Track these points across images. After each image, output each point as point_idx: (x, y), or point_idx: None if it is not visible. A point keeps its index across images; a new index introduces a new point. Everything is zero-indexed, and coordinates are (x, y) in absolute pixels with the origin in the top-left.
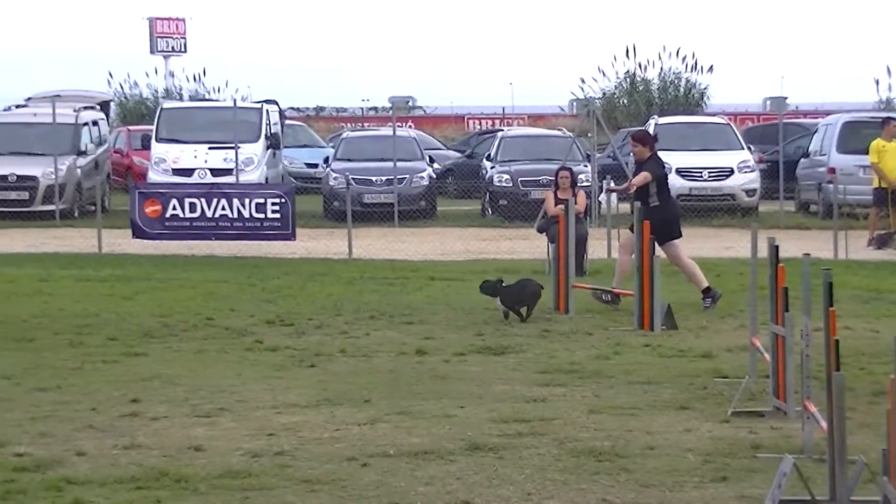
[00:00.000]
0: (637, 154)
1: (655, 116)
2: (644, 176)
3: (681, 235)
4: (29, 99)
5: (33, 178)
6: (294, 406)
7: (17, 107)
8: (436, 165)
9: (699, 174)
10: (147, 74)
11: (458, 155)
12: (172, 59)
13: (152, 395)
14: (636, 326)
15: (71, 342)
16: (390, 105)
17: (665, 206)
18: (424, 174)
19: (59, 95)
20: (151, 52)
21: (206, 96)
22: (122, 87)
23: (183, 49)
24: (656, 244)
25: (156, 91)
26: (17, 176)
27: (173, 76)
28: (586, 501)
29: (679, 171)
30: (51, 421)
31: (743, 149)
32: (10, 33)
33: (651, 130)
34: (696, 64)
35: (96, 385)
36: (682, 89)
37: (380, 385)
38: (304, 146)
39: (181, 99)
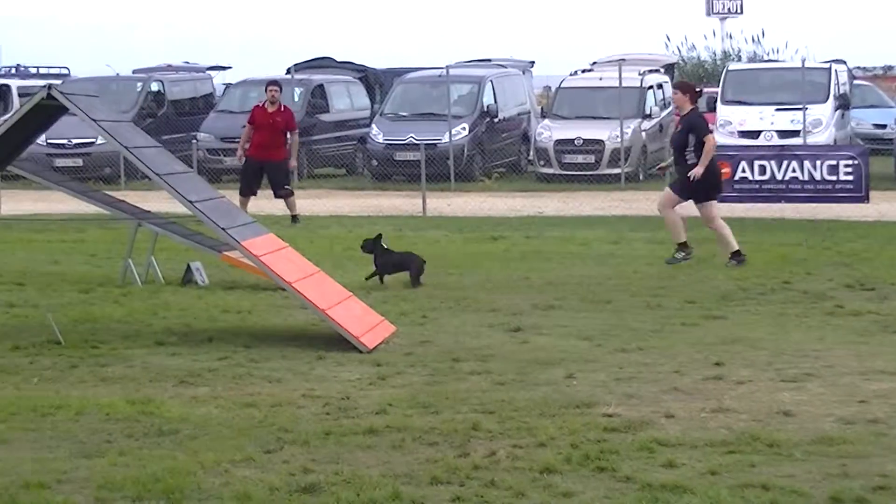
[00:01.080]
0: (677, 102)
1: None
2: (710, 141)
3: (720, 193)
4: (594, 63)
5: (599, 142)
6: (883, 373)
7: (583, 71)
8: None
9: None
10: (704, 37)
11: None
12: (728, 21)
13: (735, 359)
14: None
15: (648, 304)
16: None
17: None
18: None
19: (624, 59)
20: (707, 14)
21: (765, 58)
22: (679, 50)
23: (739, 10)
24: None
25: (713, 53)
26: (584, 139)
27: (731, 38)
28: None
29: None
30: (635, 382)
31: None
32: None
33: None
34: None
35: (677, 347)
36: None
37: None
38: (872, 107)
39: (739, 61)
